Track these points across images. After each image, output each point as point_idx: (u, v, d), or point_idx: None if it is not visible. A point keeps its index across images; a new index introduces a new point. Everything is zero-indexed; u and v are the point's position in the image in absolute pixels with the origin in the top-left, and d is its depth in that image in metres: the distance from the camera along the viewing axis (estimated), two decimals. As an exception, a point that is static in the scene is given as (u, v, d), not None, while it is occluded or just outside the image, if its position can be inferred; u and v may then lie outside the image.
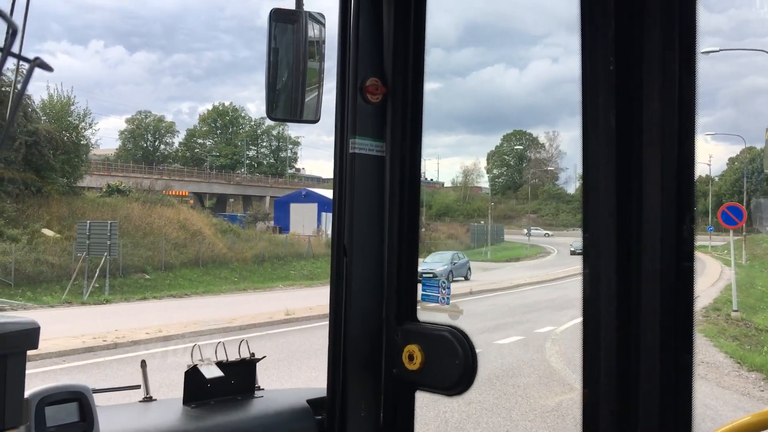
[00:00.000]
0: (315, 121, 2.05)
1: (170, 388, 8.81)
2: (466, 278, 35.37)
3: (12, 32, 0.50)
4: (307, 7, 2.01)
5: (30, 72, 0.53)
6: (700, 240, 54.49)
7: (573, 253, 48.40)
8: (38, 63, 0.52)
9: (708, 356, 13.45)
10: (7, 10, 1.02)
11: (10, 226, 29.03)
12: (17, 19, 1.05)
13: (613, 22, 1.24)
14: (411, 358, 1.85)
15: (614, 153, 1.23)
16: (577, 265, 1.31)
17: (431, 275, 28.53)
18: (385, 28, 1.95)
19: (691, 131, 1.18)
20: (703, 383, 11.04)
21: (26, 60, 0.53)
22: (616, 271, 1.22)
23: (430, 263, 33.52)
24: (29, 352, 1.54)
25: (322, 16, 2.02)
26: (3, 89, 26.16)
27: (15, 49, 0.50)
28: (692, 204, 1.18)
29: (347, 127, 1.95)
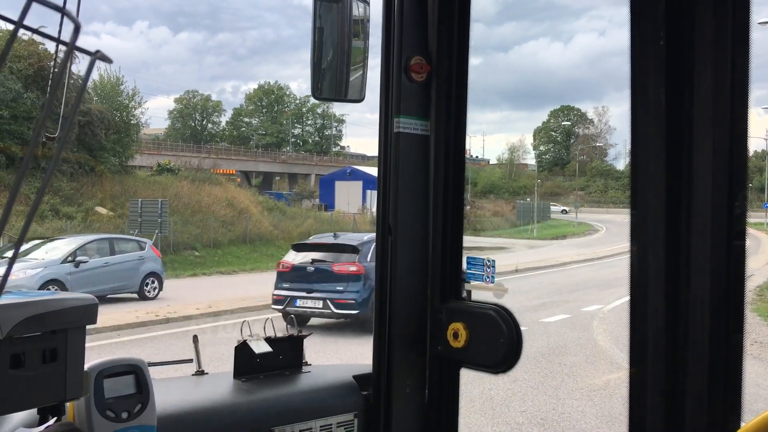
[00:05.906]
0: (360, 100, 2.06)
1: (221, 362, 9.03)
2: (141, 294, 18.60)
3: (75, 28, 0.52)
4: None
5: (92, 65, 0.54)
6: (756, 217, 52.82)
7: None
8: (99, 56, 0.53)
9: (762, 336, 13.12)
10: None
11: (65, 205, 29.95)
12: (71, 5, 1.08)
13: None
14: (456, 335, 1.86)
15: (664, 129, 1.21)
16: (625, 243, 1.28)
17: None
18: (429, 6, 1.94)
19: (744, 107, 1.15)
20: (757, 363, 10.79)
21: (88, 53, 0.54)
22: (665, 250, 1.20)
23: None
24: (87, 327, 1.60)
25: None
26: (70, 81, 26.85)
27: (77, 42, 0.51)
28: (745, 182, 1.15)
29: (392, 106, 1.95)
